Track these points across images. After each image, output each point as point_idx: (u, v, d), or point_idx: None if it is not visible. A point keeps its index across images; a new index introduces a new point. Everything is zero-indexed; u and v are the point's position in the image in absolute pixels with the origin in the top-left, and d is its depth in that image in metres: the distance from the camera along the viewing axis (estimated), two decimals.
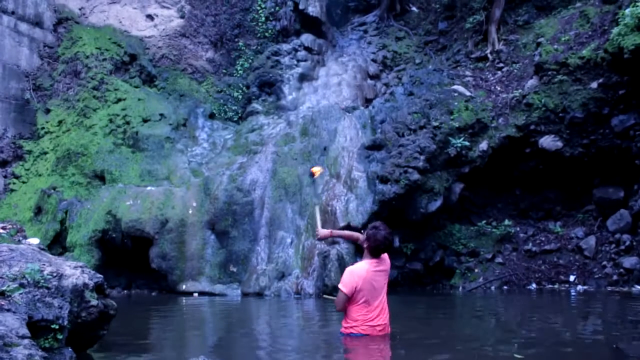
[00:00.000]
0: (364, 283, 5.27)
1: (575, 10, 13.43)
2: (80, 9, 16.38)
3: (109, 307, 4.65)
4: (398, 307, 9.44)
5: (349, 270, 5.41)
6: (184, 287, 11.37)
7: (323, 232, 6.14)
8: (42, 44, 15.23)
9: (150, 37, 16.64)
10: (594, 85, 11.44)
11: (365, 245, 5.43)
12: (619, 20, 11.20)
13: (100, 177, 13.08)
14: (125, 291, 12.07)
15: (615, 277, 10.85)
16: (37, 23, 15.10)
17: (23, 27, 14.63)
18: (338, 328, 6.78)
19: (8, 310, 3.45)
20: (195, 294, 11.20)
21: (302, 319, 8.31)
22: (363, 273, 5.31)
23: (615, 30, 10.97)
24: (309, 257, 11.12)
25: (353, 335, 5.36)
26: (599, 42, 11.65)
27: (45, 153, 13.97)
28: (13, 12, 14.33)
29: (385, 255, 5.50)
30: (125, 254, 12.03)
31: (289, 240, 11.52)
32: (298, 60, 16.45)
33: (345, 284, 5.29)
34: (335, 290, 10.37)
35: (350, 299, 5.30)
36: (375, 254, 5.39)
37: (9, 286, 3.68)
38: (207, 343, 6.35)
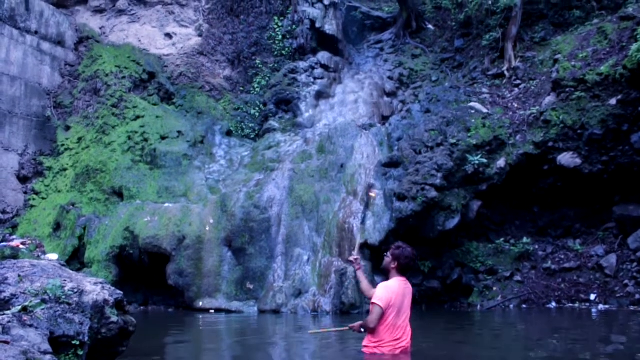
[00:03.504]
0: (396, 298, 5.24)
1: (593, 26, 13.37)
2: (100, 28, 16.68)
3: (128, 324, 4.66)
4: (416, 325, 9.34)
5: (383, 285, 5.35)
6: (200, 303, 11.37)
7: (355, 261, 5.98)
8: (64, 63, 15.51)
9: (169, 55, 16.87)
10: (613, 101, 11.34)
11: (393, 266, 5.38)
12: (638, 36, 11.14)
13: (119, 194, 13.20)
14: (142, 307, 12.11)
15: (637, 297, 10.65)
16: (59, 42, 15.39)
17: (45, 46, 14.91)
18: (355, 346, 6.72)
19: (30, 325, 3.46)
20: (212, 311, 11.19)
21: (319, 337, 8.25)
22: (396, 289, 5.28)
23: (634, 46, 10.90)
24: (326, 274, 11.08)
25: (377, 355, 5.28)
26: (617, 59, 11.58)
27: (65, 169, 14.15)
28: (36, 32, 14.63)
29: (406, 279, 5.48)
30: (143, 270, 12.08)
31: (305, 258, 11.49)
32: (315, 78, 16.55)
33: (381, 299, 5.20)
34: (352, 307, 10.36)
35: (383, 314, 5.24)
36: (403, 272, 5.37)
37: (31, 302, 3.70)
38: None
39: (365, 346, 5.39)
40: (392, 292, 5.25)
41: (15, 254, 5.62)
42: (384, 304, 5.18)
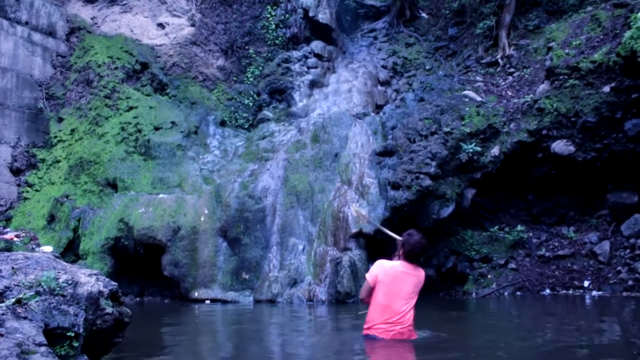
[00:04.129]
0: (385, 276, 5.31)
1: (586, 14, 13.37)
2: (92, 19, 16.55)
3: (123, 315, 4.65)
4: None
5: (377, 262, 5.56)
6: (196, 294, 11.38)
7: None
8: (55, 54, 15.39)
9: (162, 45, 16.76)
10: (607, 89, 11.36)
11: (400, 252, 5.47)
12: (631, 23, 11.14)
13: (113, 185, 13.16)
14: (138, 298, 12.11)
15: (630, 283, 10.73)
16: (50, 33, 15.26)
17: (36, 37, 14.79)
18: (351, 335, 6.78)
19: (25, 317, 3.46)
20: (208, 301, 11.21)
21: (315, 326, 8.29)
22: (388, 267, 5.40)
23: (627, 33, 10.90)
24: (321, 263, 11.11)
25: (370, 337, 5.37)
26: (610, 46, 11.59)
27: (58, 161, 14.09)
28: (27, 23, 14.50)
29: (421, 269, 5.52)
30: (138, 262, 12.07)
31: (300, 247, 11.51)
32: (308, 67, 16.50)
33: (369, 273, 5.47)
34: (347, 296, 10.42)
35: (372, 289, 5.40)
36: (410, 259, 5.42)
37: (25, 294, 3.69)
38: (221, 351, 6.34)
39: (364, 327, 5.54)
40: (381, 268, 5.41)
41: (9, 247, 5.61)
42: (370, 278, 5.41)
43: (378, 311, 5.34)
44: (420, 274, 5.51)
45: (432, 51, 17.15)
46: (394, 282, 5.32)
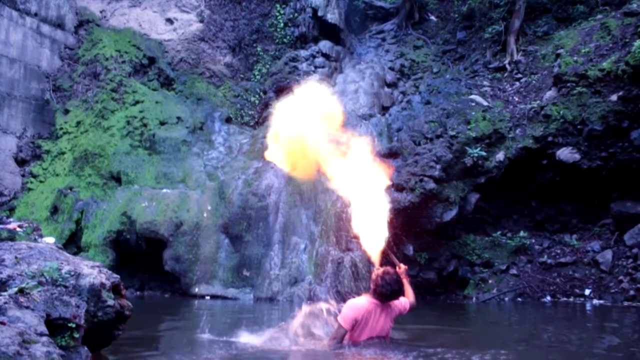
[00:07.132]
0: (362, 319, 5.16)
1: (596, 22, 13.33)
2: (101, 12, 16.57)
3: (124, 308, 4.66)
4: (409, 315, 9.36)
5: (349, 303, 5.28)
6: (196, 290, 11.39)
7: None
8: (63, 46, 15.42)
9: (170, 40, 16.78)
10: (614, 97, 11.32)
11: (372, 288, 5.30)
12: None
13: (117, 179, 13.18)
14: (138, 292, 12.13)
15: (632, 292, 10.70)
16: (59, 25, 15.29)
17: (45, 28, 14.82)
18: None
19: (27, 307, 3.46)
20: (208, 297, 11.22)
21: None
22: (363, 309, 5.20)
23: (637, 42, 10.87)
24: (322, 263, 11.09)
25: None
26: (619, 55, 11.54)
27: (63, 153, 14.11)
28: (36, 14, 14.53)
29: (395, 302, 5.38)
30: (139, 256, 12.09)
31: (302, 246, 11.50)
32: (315, 67, 16.49)
33: (343, 317, 5.15)
34: (348, 297, 10.40)
35: (347, 332, 5.22)
36: (380, 299, 5.28)
37: (27, 283, 3.70)
38: (220, 346, 6.34)
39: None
40: (355, 311, 5.18)
41: (12, 236, 5.61)
42: (345, 323, 5.14)
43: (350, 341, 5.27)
44: (394, 305, 5.38)
45: (439, 54, 17.12)
46: (374, 322, 5.21)
